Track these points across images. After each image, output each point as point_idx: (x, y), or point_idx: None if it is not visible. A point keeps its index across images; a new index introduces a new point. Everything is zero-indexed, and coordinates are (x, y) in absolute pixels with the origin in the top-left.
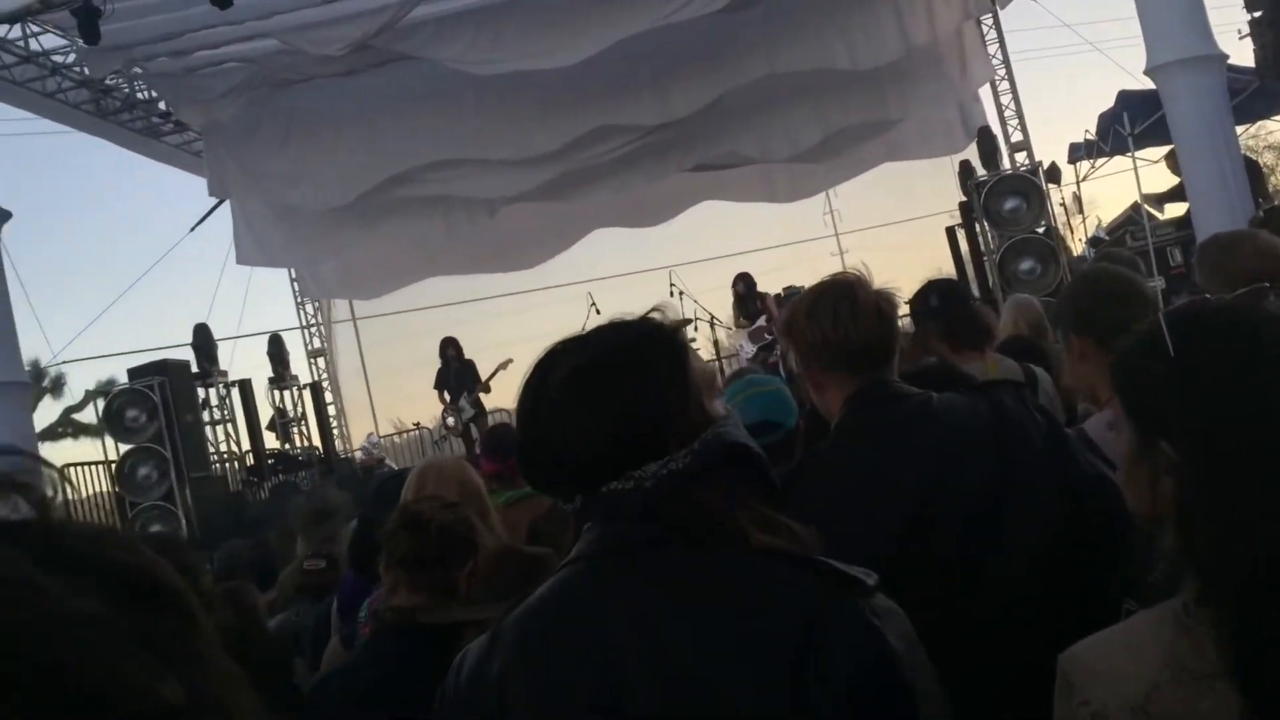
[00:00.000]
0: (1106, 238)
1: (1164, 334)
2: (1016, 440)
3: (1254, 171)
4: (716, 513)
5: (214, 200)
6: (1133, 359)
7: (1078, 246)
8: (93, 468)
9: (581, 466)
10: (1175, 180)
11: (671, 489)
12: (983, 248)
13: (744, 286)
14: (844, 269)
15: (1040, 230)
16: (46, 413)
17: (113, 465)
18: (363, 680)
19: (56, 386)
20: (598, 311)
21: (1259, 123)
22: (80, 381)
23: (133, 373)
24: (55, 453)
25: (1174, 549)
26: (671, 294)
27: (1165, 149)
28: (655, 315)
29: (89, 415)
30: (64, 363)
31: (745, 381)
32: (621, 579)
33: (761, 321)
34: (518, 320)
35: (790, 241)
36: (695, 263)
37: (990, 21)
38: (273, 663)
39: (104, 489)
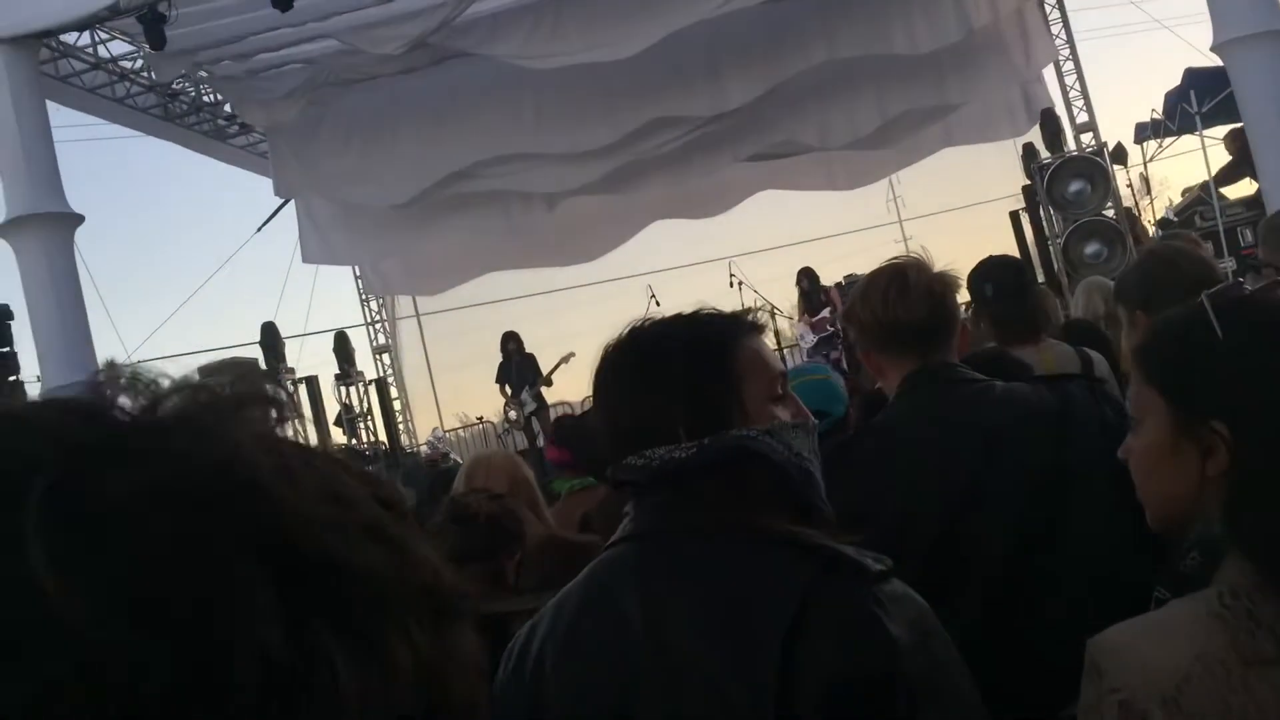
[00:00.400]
0: (1176, 219)
1: (1208, 316)
2: (1080, 434)
3: None
4: (718, 503)
5: (280, 200)
6: (1174, 341)
7: (1150, 229)
8: None
9: (613, 439)
10: (1227, 159)
11: (677, 474)
12: (1047, 232)
13: (808, 282)
14: (906, 255)
15: (1107, 212)
16: None
17: None
18: None
19: None
20: (658, 304)
21: None
22: None
23: (203, 371)
24: None
25: (1219, 536)
26: (731, 284)
27: (1235, 127)
28: (731, 311)
29: None
30: (139, 362)
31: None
32: (640, 565)
33: (825, 313)
34: (578, 313)
35: (852, 230)
36: (755, 253)
37: (1054, 0)
38: None
39: None
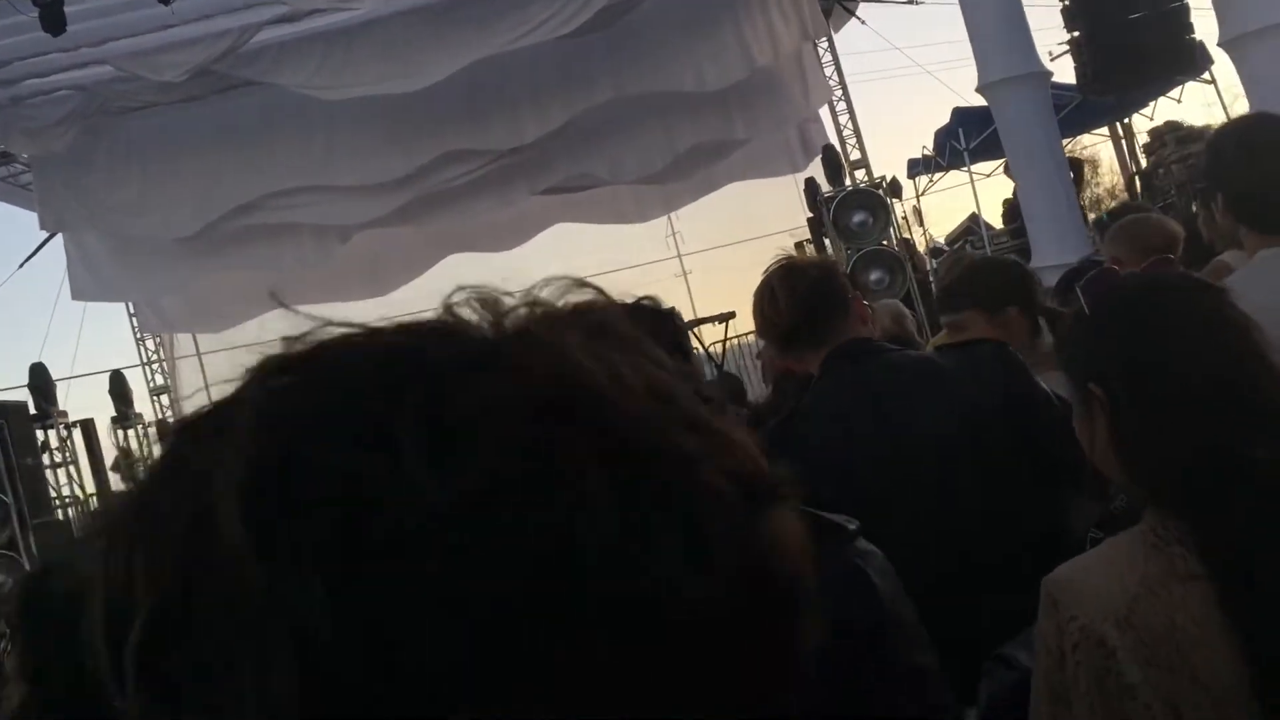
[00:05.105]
0: (946, 248)
1: (1082, 301)
2: (978, 389)
3: (1076, 170)
4: None
5: (45, 234)
6: (1066, 325)
7: (926, 257)
8: None
9: None
10: (993, 191)
11: None
12: None
13: None
14: (688, 290)
15: (885, 243)
16: None
17: None
18: None
19: None
20: None
21: (1076, 138)
22: None
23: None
24: None
25: (1122, 480)
26: None
27: (998, 163)
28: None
29: None
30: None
31: None
32: None
33: None
34: None
35: (636, 264)
36: None
37: (825, 45)
38: None
39: None
